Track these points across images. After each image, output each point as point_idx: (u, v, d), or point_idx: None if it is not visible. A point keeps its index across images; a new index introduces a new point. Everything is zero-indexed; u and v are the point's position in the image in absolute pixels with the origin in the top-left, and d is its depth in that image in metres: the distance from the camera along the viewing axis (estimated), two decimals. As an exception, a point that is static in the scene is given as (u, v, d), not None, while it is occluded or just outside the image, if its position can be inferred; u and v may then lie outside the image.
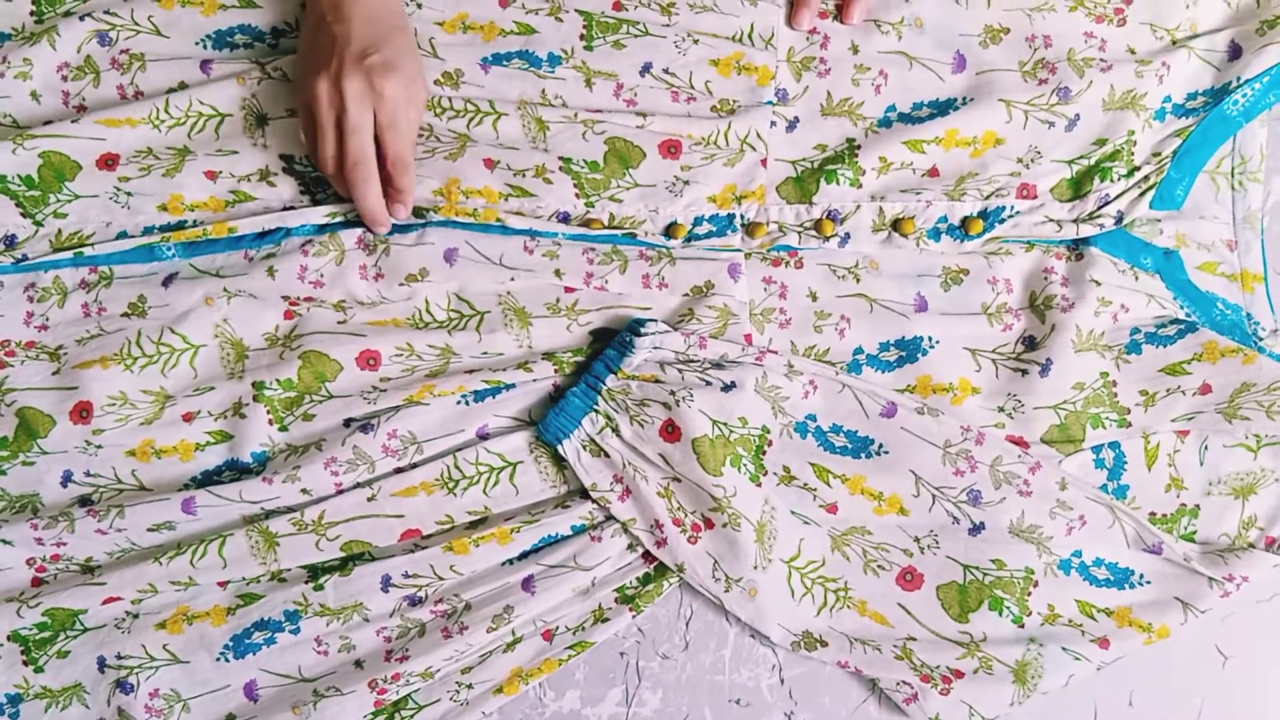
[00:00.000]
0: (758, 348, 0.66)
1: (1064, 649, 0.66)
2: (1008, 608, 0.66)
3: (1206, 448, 0.68)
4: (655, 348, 0.64)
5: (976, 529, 0.66)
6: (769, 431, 0.66)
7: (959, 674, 0.66)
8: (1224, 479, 0.68)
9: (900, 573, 0.67)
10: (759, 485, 0.65)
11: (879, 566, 0.67)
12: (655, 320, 0.65)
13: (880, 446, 0.66)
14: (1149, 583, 0.67)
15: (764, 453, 0.66)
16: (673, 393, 0.63)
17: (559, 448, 0.64)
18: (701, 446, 0.63)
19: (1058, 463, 0.67)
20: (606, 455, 0.64)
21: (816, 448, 0.67)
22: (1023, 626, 0.66)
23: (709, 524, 0.64)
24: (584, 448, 0.64)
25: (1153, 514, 0.68)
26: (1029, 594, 0.66)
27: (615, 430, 0.64)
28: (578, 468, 0.64)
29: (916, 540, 0.67)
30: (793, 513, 0.67)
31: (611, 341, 0.65)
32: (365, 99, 0.60)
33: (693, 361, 0.65)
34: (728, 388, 0.64)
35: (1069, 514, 0.66)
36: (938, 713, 0.67)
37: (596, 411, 0.64)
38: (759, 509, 0.65)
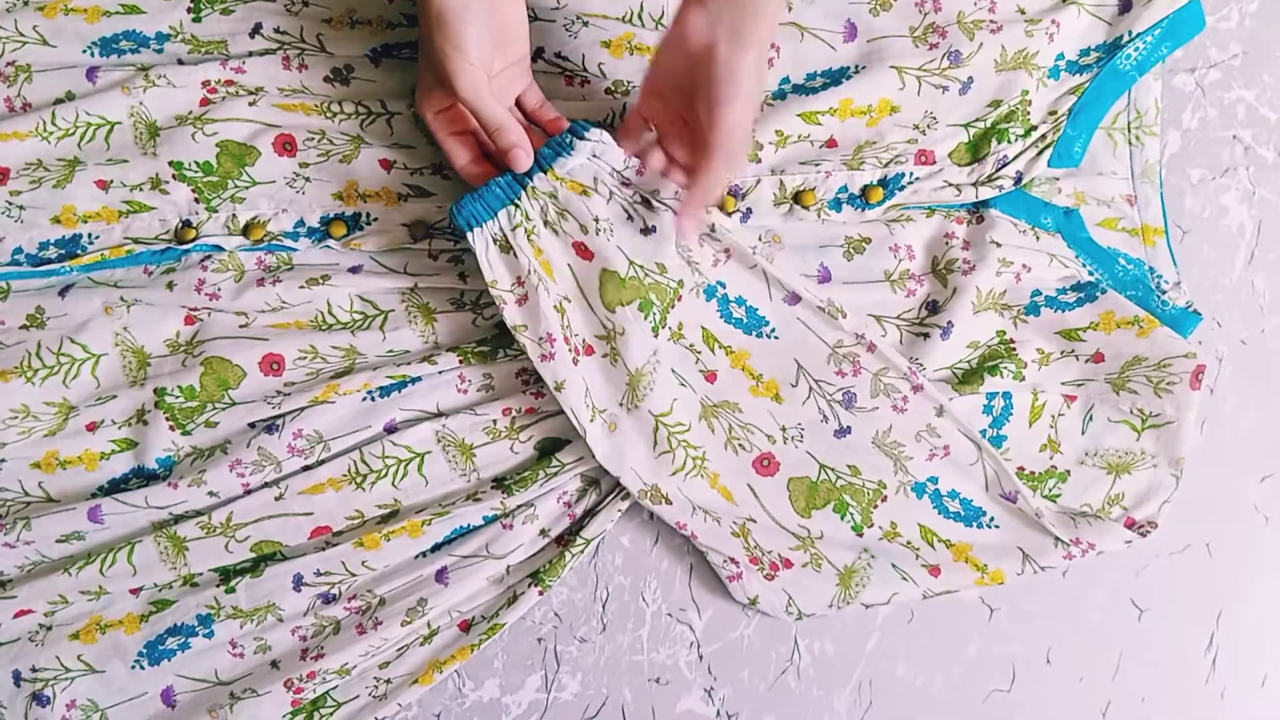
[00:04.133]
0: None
1: (894, 565, 0.67)
2: (851, 514, 0.66)
3: (1091, 418, 0.68)
4: (594, 156, 0.62)
5: (842, 431, 0.66)
6: (683, 285, 0.65)
7: (787, 563, 0.67)
8: (1101, 452, 0.68)
9: (759, 456, 0.67)
10: (656, 336, 0.64)
11: (740, 445, 0.67)
12: (599, 128, 0.62)
13: (773, 330, 0.66)
14: (997, 527, 0.67)
15: (673, 306, 0.65)
16: (596, 219, 0.62)
17: (468, 235, 0.62)
18: (608, 280, 0.62)
19: (948, 398, 0.66)
20: (515, 255, 0.62)
21: (715, 313, 0.66)
22: (861, 535, 0.67)
23: (589, 350, 0.64)
24: (494, 241, 0.62)
25: (1021, 469, 0.68)
26: (875, 506, 0.66)
27: (529, 234, 0.62)
28: (483, 260, 0.62)
29: (783, 429, 0.66)
30: (673, 371, 0.66)
31: (548, 139, 0.62)
32: None
33: (625, 186, 0.63)
34: (647, 230, 0.63)
35: (935, 441, 0.66)
36: (757, 594, 0.67)
37: (516, 206, 0.62)
38: (645, 356, 0.64)
